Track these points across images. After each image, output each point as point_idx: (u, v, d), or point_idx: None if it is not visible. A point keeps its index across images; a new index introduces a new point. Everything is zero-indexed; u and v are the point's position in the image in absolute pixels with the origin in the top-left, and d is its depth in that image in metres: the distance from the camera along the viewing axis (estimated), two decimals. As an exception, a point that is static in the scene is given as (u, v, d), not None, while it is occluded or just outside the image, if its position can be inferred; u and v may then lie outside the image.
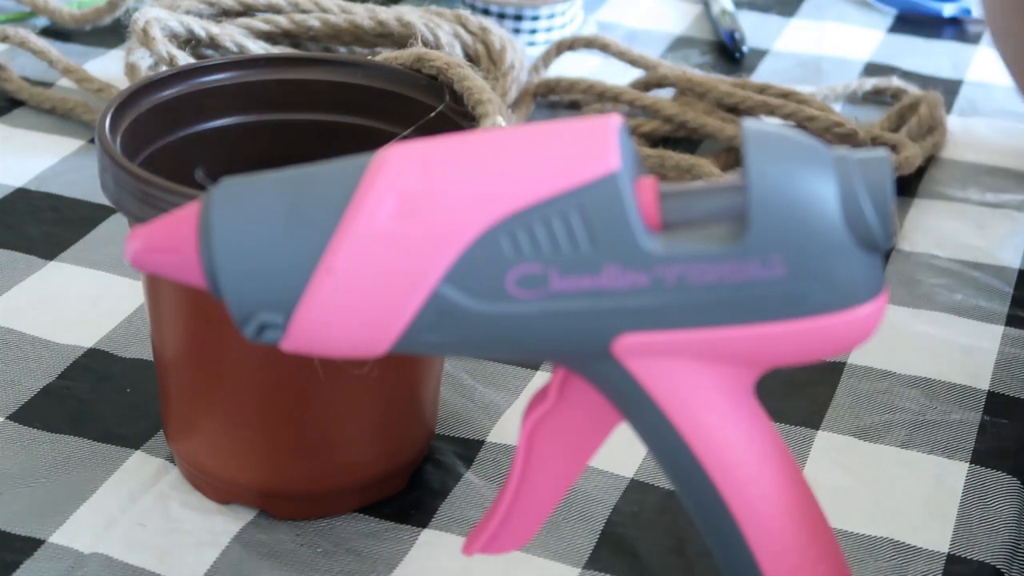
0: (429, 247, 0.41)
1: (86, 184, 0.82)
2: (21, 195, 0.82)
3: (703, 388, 0.42)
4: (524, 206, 0.41)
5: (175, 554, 0.58)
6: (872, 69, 1.00)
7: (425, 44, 0.83)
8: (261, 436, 0.58)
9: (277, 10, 0.90)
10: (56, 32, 1.00)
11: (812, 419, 0.66)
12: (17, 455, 0.62)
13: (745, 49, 1.01)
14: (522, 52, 0.89)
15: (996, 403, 0.68)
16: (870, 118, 0.92)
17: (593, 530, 0.60)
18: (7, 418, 0.64)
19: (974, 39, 1.05)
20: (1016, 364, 0.70)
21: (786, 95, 0.88)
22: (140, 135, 0.59)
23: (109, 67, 0.95)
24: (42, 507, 0.60)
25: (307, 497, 0.60)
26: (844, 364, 0.70)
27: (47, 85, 0.93)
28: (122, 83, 0.89)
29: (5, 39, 0.94)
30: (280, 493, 0.59)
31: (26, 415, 0.65)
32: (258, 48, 0.85)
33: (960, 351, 0.71)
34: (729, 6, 1.06)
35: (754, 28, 1.05)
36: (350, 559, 0.58)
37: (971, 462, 0.64)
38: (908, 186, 0.85)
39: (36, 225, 0.79)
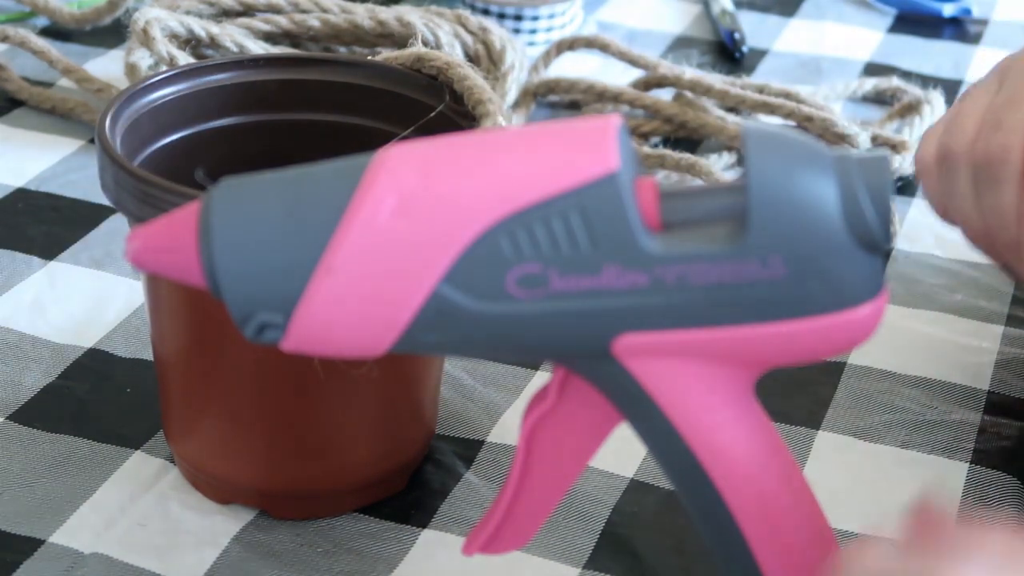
0: (428, 247, 0.41)
1: (86, 184, 0.82)
2: (21, 195, 0.82)
3: (703, 388, 0.42)
4: (523, 206, 0.41)
5: (175, 554, 0.58)
6: (872, 69, 1.00)
7: (425, 44, 0.83)
8: (261, 436, 0.58)
9: (277, 10, 0.90)
10: (56, 32, 1.00)
11: (812, 419, 0.66)
12: (17, 455, 0.62)
13: (745, 49, 1.01)
14: (522, 52, 0.89)
15: (996, 403, 0.68)
16: (870, 118, 0.92)
17: (593, 530, 0.60)
18: (7, 418, 0.64)
19: (974, 39, 1.05)
20: (1016, 364, 0.70)
21: (786, 95, 0.88)
22: (140, 135, 0.59)
23: (109, 67, 0.95)
24: (42, 507, 0.60)
25: (307, 497, 0.60)
26: (844, 364, 0.70)
27: (47, 85, 0.93)
28: (122, 83, 0.89)
29: (5, 39, 0.94)
30: (280, 493, 0.59)
31: (26, 415, 0.65)
32: (258, 48, 0.85)
33: (960, 351, 0.71)
34: (729, 6, 1.06)
35: (754, 28, 1.05)
36: (350, 559, 0.58)
37: (971, 462, 0.64)
38: (908, 186, 0.85)
39: (36, 225, 0.79)
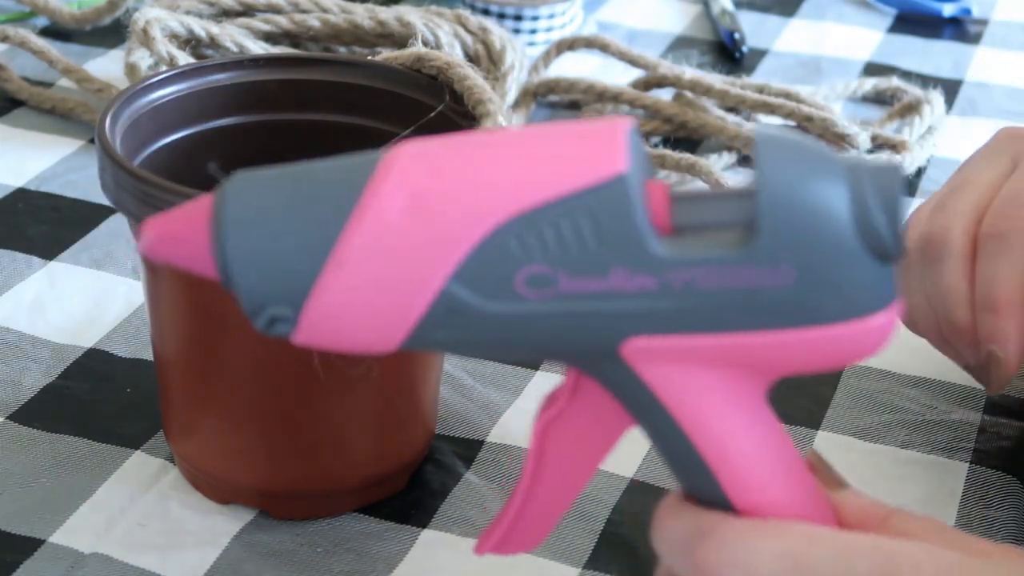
0: (438, 245, 0.41)
1: (86, 184, 0.82)
2: (21, 195, 0.82)
3: (713, 394, 0.42)
4: (532, 206, 0.41)
5: (175, 554, 0.58)
6: (872, 69, 1.00)
7: (425, 44, 0.83)
8: (261, 436, 0.58)
9: (277, 10, 0.90)
10: (56, 32, 1.00)
11: (812, 419, 0.66)
12: (17, 455, 0.62)
13: (745, 49, 1.01)
14: (522, 52, 0.89)
15: (996, 403, 0.68)
16: (870, 118, 0.92)
17: (593, 530, 0.60)
18: (7, 418, 0.64)
19: (974, 39, 1.05)
20: (1016, 364, 0.70)
21: (786, 95, 0.88)
22: (140, 135, 0.59)
23: (109, 67, 0.95)
24: (42, 507, 0.60)
25: (307, 497, 0.60)
26: (844, 364, 0.70)
27: (47, 85, 0.93)
28: (122, 83, 0.89)
29: (5, 39, 0.94)
30: (280, 493, 0.59)
31: (26, 415, 0.65)
32: (258, 48, 0.85)
33: (960, 351, 0.71)
34: (729, 6, 1.06)
35: (754, 28, 1.05)
36: (350, 559, 0.58)
37: (971, 462, 0.64)
38: (908, 186, 0.85)
39: (36, 225, 0.79)
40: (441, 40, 0.86)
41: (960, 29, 1.07)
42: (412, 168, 0.42)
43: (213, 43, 0.84)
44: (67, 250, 0.76)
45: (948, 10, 1.08)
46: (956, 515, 0.61)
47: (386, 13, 0.88)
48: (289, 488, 0.59)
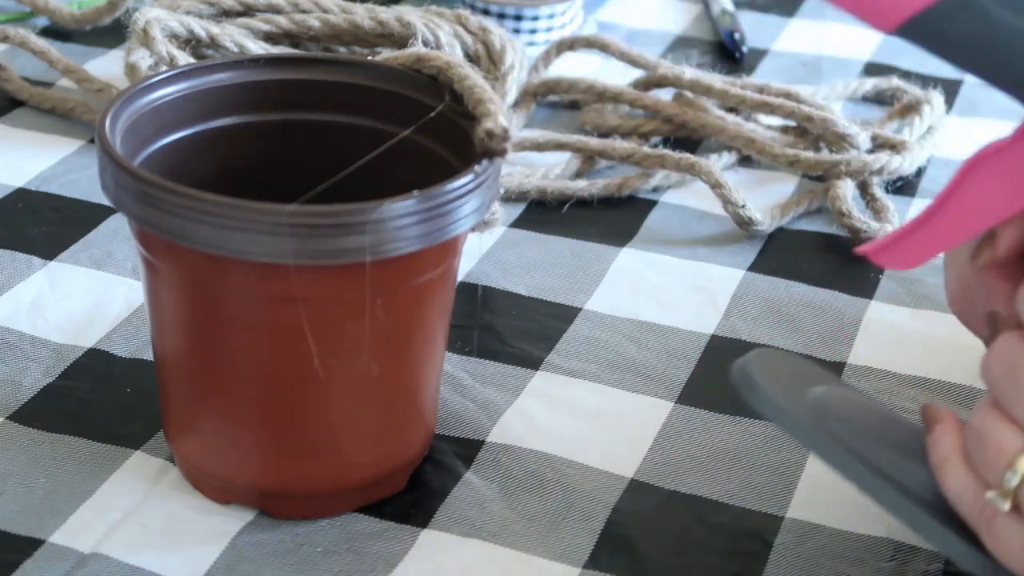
0: None
1: (86, 184, 0.82)
2: (21, 195, 0.82)
3: None
4: None
5: (175, 554, 0.58)
6: (872, 69, 1.00)
7: (425, 44, 0.83)
8: (261, 436, 0.58)
9: (277, 10, 0.90)
10: (56, 32, 1.00)
11: (812, 419, 0.66)
12: (17, 455, 0.62)
13: (745, 49, 1.01)
14: (522, 52, 0.89)
15: (996, 403, 0.67)
16: (870, 118, 0.92)
17: (593, 530, 0.60)
18: (7, 418, 0.64)
19: (974, 39, 1.05)
20: (1016, 364, 0.70)
21: (786, 95, 0.88)
22: (140, 135, 0.59)
23: (109, 67, 0.95)
24: (42, 507, 0.60)
25: (307, 497, 0.60)
26: (844, 364, 0.70)
27: (47, 85, 0.93)
28: (122, 83, 0.89)
29: (5, 39, 0.94)
30: (280, 493, 0.59)
31: (26, 415, 0.65)
32: (258, 48, 0.85)
33: (960, 351, 0.71)
34: (729, 6, 1.06)
35: (754, 28, 1.05)
36: (350, 559, 0.58)
37: (971, 462, 0.64)
38: (908, 186, 0.85)
39: (36, 225, 0.79)
40: (441, 40, 0.86)
41: (960, 29, 1.07)
42: None
43: (213, 43, 0.84)
44: (67, 250, 0.76)
45: (948, 10, 1.08)
46: (956, 515, 0.61)
47: (386, 13, 0.88)
48: (289, 488, 0.59)
